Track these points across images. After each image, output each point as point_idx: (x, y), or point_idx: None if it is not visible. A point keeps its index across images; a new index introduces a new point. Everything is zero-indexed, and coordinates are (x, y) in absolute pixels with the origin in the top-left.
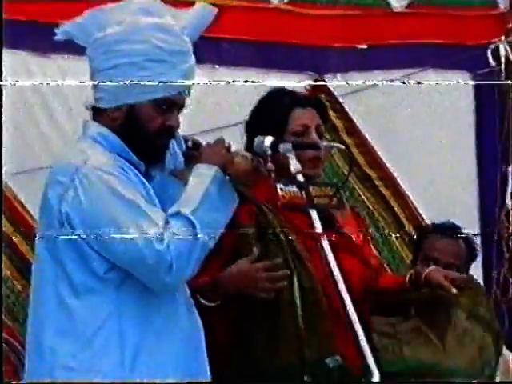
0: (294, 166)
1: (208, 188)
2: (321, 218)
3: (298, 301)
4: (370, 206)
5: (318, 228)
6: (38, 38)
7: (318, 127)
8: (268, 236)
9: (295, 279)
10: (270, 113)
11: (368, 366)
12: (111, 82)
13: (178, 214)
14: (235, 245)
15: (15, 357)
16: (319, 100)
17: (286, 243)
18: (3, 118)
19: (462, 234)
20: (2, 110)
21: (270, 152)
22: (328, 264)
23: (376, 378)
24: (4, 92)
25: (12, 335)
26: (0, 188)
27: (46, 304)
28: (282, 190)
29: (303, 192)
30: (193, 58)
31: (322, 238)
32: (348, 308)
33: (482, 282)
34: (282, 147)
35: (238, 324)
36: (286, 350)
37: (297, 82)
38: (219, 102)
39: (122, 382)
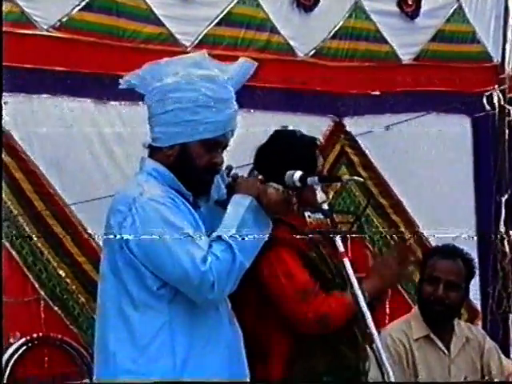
0: (320, 196)
1: (244, 216)
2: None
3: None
4: (383, 231)
5: (341, 250)
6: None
7: None
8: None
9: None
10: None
11: None
12: (165, 124)
13: (218, 239)
14: None
15: (79, 359)
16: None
17: (334, 268)
18: None
19: (460, 254)
20: None
21: (299, 184)
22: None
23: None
24: (70, 137)
25: (77, 341)
26: (0, 189)
27: (109, 315)
28: (309, 217)
29: (328, 219)
30: (235, 104)
31: (345, 258)
32: (368, 321)
33: (479, 297)
34: (309, 180)
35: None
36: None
37: (319, 124)
38: None
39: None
